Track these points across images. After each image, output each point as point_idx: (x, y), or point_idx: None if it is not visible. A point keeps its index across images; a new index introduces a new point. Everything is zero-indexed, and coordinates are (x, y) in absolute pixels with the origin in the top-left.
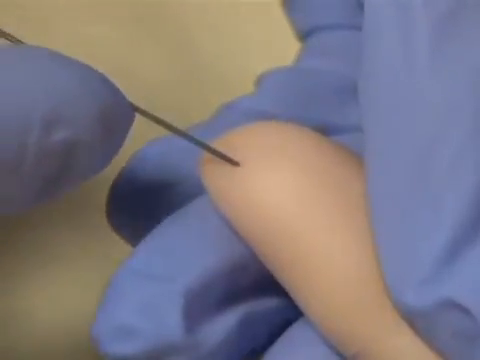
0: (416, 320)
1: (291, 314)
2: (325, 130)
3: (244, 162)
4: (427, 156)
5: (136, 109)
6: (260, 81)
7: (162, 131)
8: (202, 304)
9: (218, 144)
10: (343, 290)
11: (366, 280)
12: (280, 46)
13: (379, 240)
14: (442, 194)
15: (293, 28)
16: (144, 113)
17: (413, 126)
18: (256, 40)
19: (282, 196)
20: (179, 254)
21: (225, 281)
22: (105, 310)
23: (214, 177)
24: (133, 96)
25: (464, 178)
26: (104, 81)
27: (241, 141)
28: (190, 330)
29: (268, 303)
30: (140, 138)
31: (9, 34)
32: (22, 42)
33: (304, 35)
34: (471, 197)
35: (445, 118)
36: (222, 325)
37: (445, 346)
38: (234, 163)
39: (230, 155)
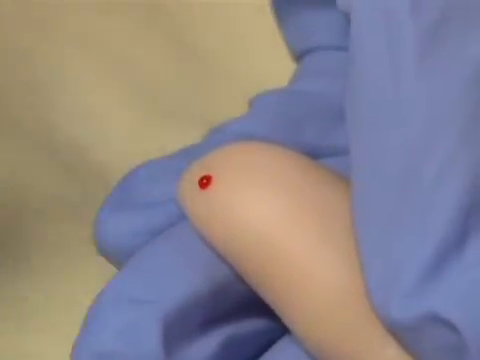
0: (401, 333)
1: (276, 336)
2: (315, 153)
3: (222, 181)
4: (412, 170)
5: None
6: (253, 103)
7: (159, 130)
8: (183, 327)
9: (198, 164)
10: (328, 306)
11: (351, 295)
12: (285, 46)
13: (364, 254)
14: (427, 208)
15: (288, 47)
16: None
17: (399, 140)
18: (262, 39)
19: (260, 212)
20: (160, 277)
21: (207, 304)
22: (86, 334)
23: (191, 198)
24: (135, 88)
25: (449, 192)
26: None
27: (220, 160)
28: (170, 354)
29: (252, 325)
30: (137, 136)
31: None
32: None
33: (299, 55)
34: (455, 211)
35: (431, 131)
36: (204, 348)
37: (431, 359)
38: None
39: (209, 174)
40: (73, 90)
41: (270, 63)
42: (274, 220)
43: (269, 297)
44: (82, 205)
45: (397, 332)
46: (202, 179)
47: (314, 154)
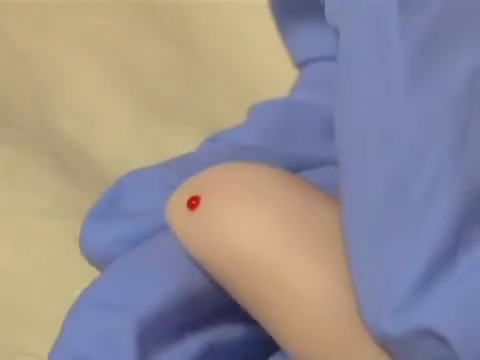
0: (393, 347)
1: (258, 346)
2: (307, 164)
3: (211, 201)
4: (403, 186)
5: None
6: (251, 112)
7: (159, 130)
8: (160, 332)
9: (186, 185)
10: (319, 324)
11: (342, 313)
12: (282, 46)
13: (354, 269)
14: (417, 224)
15: (291, 57)
16: None
17: (389, 154)
18: (263, 38)
19: (250, 232)
20: (135, 283)
21: (184, 310)
22: (64, 338)
23: (180, 219)
24: (134, 88)
25: (440, 207)
26: None
27: (208, 181)
28: (145, 359)
29: (232, 332)
30: (137, 136)
31: None
32: None
33: (300, 65)
34: (447, 225)
35: (421, 148)
36: (182, 353)
37: None
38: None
39: (197, 195)
40: (73, 90)
41: (271, 62)
42: (264, 240)
43: (259, 315)
44: (82, 205)
45: (389, 346)
46: (190, 200)
47: (307, 165)
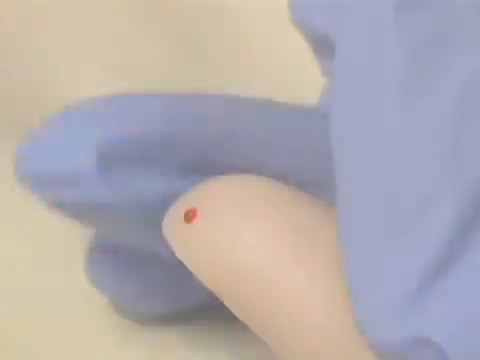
0: (388, 357)
1: None
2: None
3: (207, 213)
4: (399, 193)
5: None
6: None
7: None
8: (126, 157)
9: (182, 200)
10: (318, 335)
11: (343, 323)
12: (283, 49)
13: (350, 277)
14: (414, 230)
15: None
16: None
17: (384, 163)
18: (264, 41)
19: (247, 243)
20: (116, 112)
21: (161, 144)
22: (33, 145)
23: (177, 232)
24: (135, 88)
25: (436, 213)
26: None
27: (204, 194)
28: (103, 170)
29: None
30: None
31: None
32: None
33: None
34: (444, 232)
35: (417, 153)
36: (143, 184)
37: None
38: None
39: (193, 208)
40: (73, 90)
41: (273, 63)
42: (261, 250)
43: (259, 328)
44: None
45: (384, 356)
46: (187, 213)
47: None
